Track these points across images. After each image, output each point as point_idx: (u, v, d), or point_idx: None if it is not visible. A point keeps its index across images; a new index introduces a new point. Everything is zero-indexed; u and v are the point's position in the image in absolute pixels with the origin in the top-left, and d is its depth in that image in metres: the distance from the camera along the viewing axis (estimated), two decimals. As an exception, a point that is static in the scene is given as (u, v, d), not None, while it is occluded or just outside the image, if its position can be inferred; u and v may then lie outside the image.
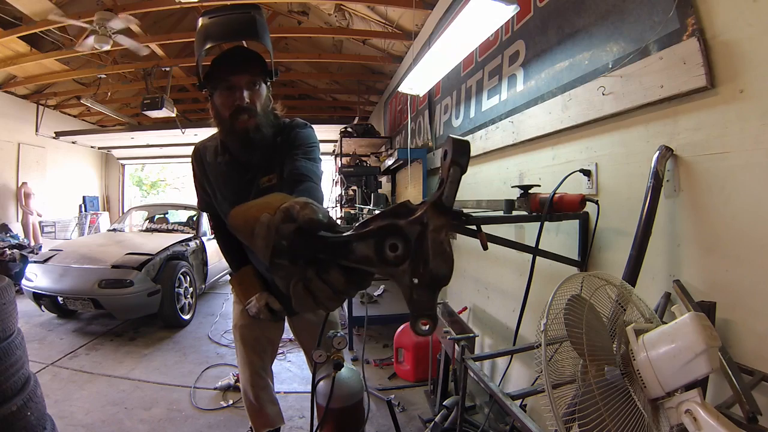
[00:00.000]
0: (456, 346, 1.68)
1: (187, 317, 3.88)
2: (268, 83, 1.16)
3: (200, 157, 1.30)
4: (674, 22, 1.15)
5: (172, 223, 5.27)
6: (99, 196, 9.36)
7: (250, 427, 1.46)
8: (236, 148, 1.18)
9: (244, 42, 1.36)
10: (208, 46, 1.08)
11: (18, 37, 4.58)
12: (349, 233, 0.44)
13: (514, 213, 1.63)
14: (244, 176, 1.21)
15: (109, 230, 5.27)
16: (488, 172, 2.49)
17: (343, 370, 1.22)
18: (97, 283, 3.33)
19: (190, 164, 1.34)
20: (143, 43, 4.58)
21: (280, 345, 1.48)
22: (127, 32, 4.13)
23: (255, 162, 1.19)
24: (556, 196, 1.43)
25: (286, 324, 1.51)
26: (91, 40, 4.06)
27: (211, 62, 1.11)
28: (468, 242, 2.76)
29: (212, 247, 4.66)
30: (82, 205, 8.67)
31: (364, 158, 5.32)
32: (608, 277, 0.93)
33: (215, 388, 2.55)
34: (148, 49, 4.45)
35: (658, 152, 1.18)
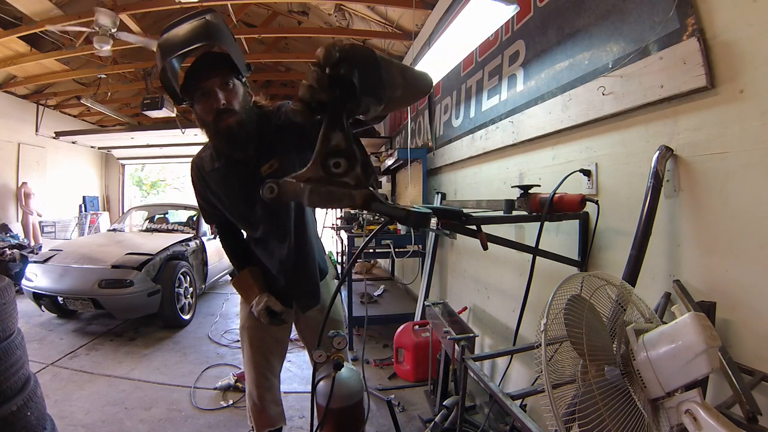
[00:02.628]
0: (456, 346, 1.68)
1: (187, 317, 3.88)
2: (243, 79, 1.18)
3: (199, 170, 1.31)
4: (674, 22, 1.15)
5: (172, 223, 5.27)
6: (99, 196, 9.36)
7: (252, 427, 1.46)
8: (225, 147, 1.21)
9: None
10: (168, 59, 1.09)
11: (18, 37, 4.58)
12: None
13: (514, 213, 1.63)
14: (244, 172, 1.23)
15: (109, 230, 5.27)
16: (488, 172, 2.49)
17: (343, 370, 1.22)
18: (97, 283, 3.33)
19: (190, 179, 1.36)
20: (142, 44, 4.58)
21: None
22: (121, 28, 4.11)
23: (252, 154, 1.21)
24: (556, 196, 1.43)
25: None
26: (107, 46, 4.05)
27: (183, 76, 1.14)
28: (468, 242, 2.77)
29: (212, 247, 4.66)
30: (82, 205, 8.67)
31: (364, 158, 5.31)
32: (608, 277, 0.93)
33: (215, 388, 2.55)
34: (155, 41, 4.42)
35: (658, 152, 1.18)
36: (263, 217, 1.26)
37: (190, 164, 1.35)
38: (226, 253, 1.47)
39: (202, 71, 1.11)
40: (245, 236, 1.42)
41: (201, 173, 1.31)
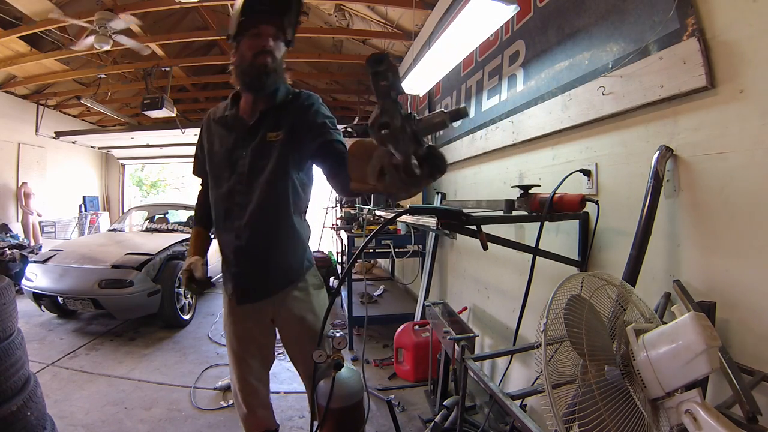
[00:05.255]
0: (456, 346, 1.68)
1: (187, 317, 3.88)
2: (285, 49, 1.26)
3: (209, 116, 1.38)
4: (674, 22, 1.15)
5: (172, 223, 5.26)
6: (99, 196, 9.36)
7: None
8: (252, 76, 1.22)
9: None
10: None
11: (18, 37, 4.58)
12: None
13: (514, 213, 1.63)
14: (244, 128, 1.26)
15: (109, 230, 5.27)
16: (488, 172, 2.49)
17: (343, 370, 1.22)
18: (97, 283, 3.32)
19: (200, 131, 1.41)
20: (143, 43, 4.58)
21: (279, 346, 1.47)
22: (127, 32, 4.13)
23: (258, 115, 1.26)
24: (556, 196, 1.43)
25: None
26: (90, 39, 4.06)
27: (242, 7, 1.17)
28: (468, 242, 2.77)
29: (212, 247, 4.63)
30: (82, 205, 8.67)
31: (364, 158, 5.31)
32: (608, 277, 0.93)
33: (215, 388, 2.55)
34: (149, 48, 4.45)
35: (658, 152, 1.18)
36: (237, 174, 1.26)
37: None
38: (196, 204, 1.50)
39: (263, 17, 1.18)
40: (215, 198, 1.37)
41: (210, 118, 1.37)
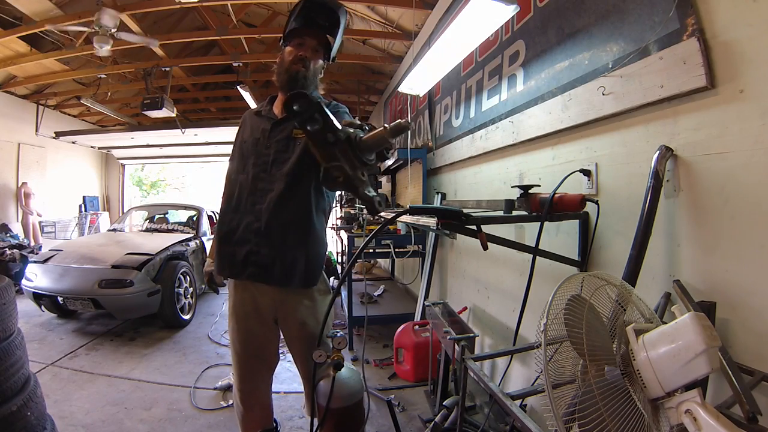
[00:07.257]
0: (456, 346, 1.68)
1: (187, 317, 3.89)
2: (325, 63, 1.41)
3: (246, 114, 1.52)
4: (674, 22, 1.15)
5: (172, 223, 5.26)
6: (99, 196, 9.36)
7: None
8: (285, 80, 1.35)
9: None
10: (299, 7, 1.31)
11: (18, 37, 4.58)
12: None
13: (514, 213, 1.63)
14: (270, 122, 1.38)
15: (109, 230, 5.26)
16: (488, 172, 2.49)
17: (343, 370, 1.22)
18: (97, 283, 3.32)
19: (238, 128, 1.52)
20: (143, 43, 4.58)
21: (281, 346, 1.47)
22: (122, 28, 4.11)
23: (287, 114, 1.35)
24: (556, 196, 1.43)
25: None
26: (107, 46, 4.05)
27: (293, 19, 1.32)
28: (468, 242, 2.77)
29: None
30: (82, 205, 8.67)
31: (364, 158, 5.30)
32: (608, 277, 0.93)
33: (215, 388, 2.55)
34: (156, 41, 4.42)
35: (658, 152, 1.18)
36: (261, 163, 1.34)
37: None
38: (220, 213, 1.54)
39: (310, 29, 1.35)
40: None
41: (246, 115, 1.50)
